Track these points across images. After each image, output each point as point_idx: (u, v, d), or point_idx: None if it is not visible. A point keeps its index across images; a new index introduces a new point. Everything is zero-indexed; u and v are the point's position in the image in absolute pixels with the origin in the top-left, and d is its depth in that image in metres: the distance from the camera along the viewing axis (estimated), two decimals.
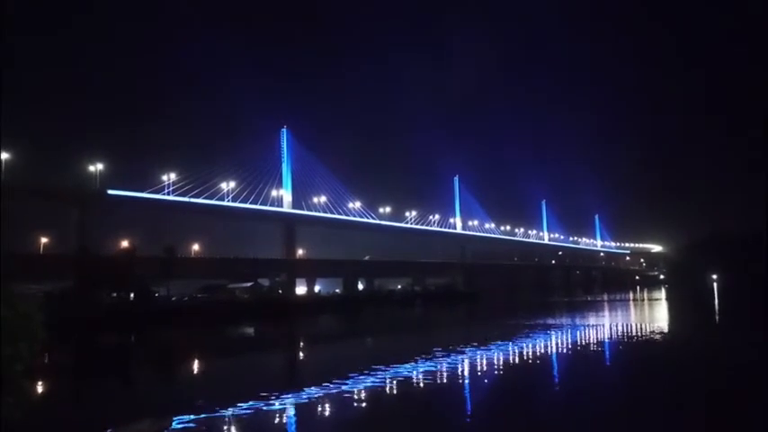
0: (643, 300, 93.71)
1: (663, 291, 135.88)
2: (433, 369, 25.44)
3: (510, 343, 34.42)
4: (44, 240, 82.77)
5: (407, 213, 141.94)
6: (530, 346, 33.65)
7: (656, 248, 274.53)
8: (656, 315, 60.65)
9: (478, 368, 26.40)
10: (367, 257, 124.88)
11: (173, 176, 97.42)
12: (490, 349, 32.02)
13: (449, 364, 26.95)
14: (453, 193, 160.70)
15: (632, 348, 32.45)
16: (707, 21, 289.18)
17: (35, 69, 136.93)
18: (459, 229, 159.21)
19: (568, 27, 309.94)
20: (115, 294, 71.37)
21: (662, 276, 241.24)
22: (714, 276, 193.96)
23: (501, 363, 27.78)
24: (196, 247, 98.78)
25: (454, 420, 17.01)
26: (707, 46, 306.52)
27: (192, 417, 17.22)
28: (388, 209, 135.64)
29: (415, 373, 24.75)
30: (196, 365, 33.47)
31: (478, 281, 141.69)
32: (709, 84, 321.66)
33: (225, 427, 16.68)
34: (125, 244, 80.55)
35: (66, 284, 65.66)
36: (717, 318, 56.78)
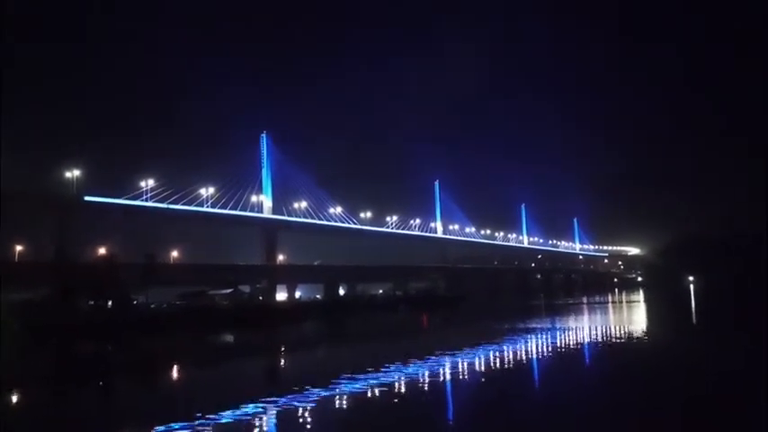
0: (622, 302, 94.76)
1: (641, 293, 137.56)
2: (415, 375, 25.44)
3: (491, 347, 34.55)
4: (20, 248, 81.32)
5: (388, 218, 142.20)
6: (511, 350, 33.81)
7: (634, 251, 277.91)
8: (634, 317, 61.38)
9: (460, 374, 26.46)
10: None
11: (151, 182, 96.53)
12: (472, 354, 32.12)
13: (431, 369, 26.99)
14: (434, 198, 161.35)
15: (610, 351, 32.77)
16: (688, 22, 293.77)
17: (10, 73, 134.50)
18: (440, 234, 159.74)
19: (550, 33, 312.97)
20: (93, 302, 70.35)
21: (640, 279, 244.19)
22: (690, 278, 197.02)
23: (482, 368, 27.88)
24: (175, 253, 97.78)
25: (439, 423, 17.05)
26: (688, 52, 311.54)
27: (172, 426, 17.03)
28: (369, 214, 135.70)
29: (396, 379, 24.71)
30: (175, 374, 33.11)
31: (460, 285, 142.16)
32: (689, 90, 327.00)
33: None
34: (103, 251, 79.57)
35: (44, 292, 64.64)
36: (693, 319, 57.59)
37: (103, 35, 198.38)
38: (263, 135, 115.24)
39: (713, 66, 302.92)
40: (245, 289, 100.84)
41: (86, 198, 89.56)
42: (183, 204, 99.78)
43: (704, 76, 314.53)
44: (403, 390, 22.50)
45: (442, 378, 25.30)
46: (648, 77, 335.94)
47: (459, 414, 19.08)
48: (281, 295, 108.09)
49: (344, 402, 20.51)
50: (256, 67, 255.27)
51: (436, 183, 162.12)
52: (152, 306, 76.57)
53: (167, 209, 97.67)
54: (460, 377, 25.56)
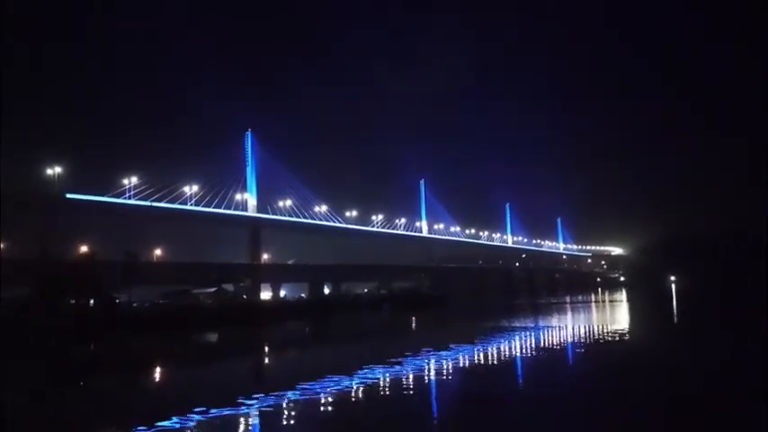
0: (605, 301, 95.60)
1: (624, 292, 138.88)
2: (400, 374, 25.47)
3: (474, 346, 34.68)
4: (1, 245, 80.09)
5: (374, 217, 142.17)
6: (494, 349, 33.96)
7: (617, 251, 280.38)
8: (617, 317, 61.95)
9: (444, 373, 26.56)
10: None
11: (134, 180, 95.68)
12: (455, 353, 32.21)
13: (414, 368, 27.02)
14: (419, 197, 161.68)
15: (591, 350, 33.01)
16: (672, 24, 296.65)
17: None
18: (425, 233, 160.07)
19: (535, 32, 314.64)
20: (74, 301, 69.54)
21: (622, 278, 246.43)
22: (672, 278, 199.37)
23: (466, 367, 27.98)
24: (159, 252, 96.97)
25: (426, 421, 17.09)
26: (674, 53, 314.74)
27: (154, 426, 16.90)
28: (354, 213, 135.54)
29: (381, 378, 24.71)
30: (158, 373, 32.86)
31: (445, 284, 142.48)
32: (673, 90, 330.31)
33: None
34: (85, 249, 78.70)
35: (24, 291, 63.81)
36: (674, 319, 58.26)
37: (83, 30, 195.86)
38: (248, 133, 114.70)
39: (698, 66, 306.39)
40: (230, 288, 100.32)
41: (68, 196, 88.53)
42: (167, 202, 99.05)
43: (687, 77, 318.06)
44: (387, 388, 22.54)
45: (426, 377, 25.35)
46: (632, 78, 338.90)
47: (442, 411, 19.14)
48: (266, 294, 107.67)
49: (329, 401, 20.46)
50: (241, 64, 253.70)
51: (422, 182, 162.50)
52: (135, 305, 75.85)
53: (150, 207, 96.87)
54: (444, 376, 25.65)
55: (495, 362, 29.46)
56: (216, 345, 52.40)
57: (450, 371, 26.91)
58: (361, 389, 22.37)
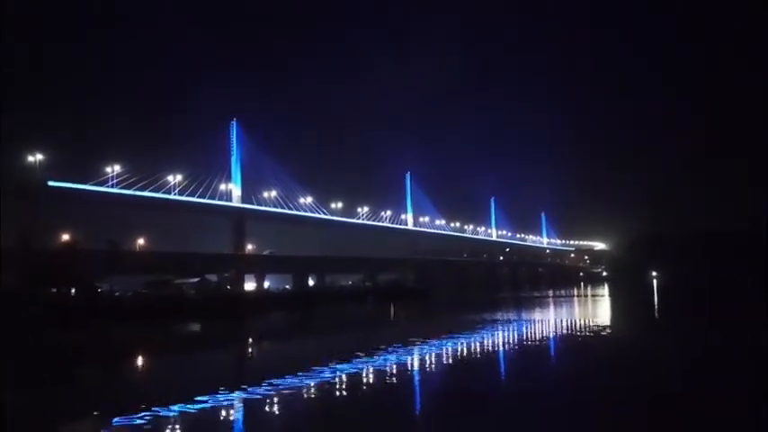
0: (587, 296, 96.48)
1: (606, 287, 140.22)
2: (382, 366, 25.54)
3: (457, 338, 34.87)
4: None
5: (359, 209, 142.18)
6: (476, 341, 34.15)
7: (600, 246, 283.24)
8: (598, 311, 62.54)
9: (427, 364, 26.68)
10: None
11: (117, 168, 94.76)
12: (437, 345, 32.36)
13: (398, 359, 27.12)
14: (405, 190, 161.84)
15: (573, 344, 33.34)
16: (661, 20, 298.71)
17: None
18: (410, 226, 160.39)
19: (521, 28, 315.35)
20: (55, 290, 68.89)
21: (605, 273, 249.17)
22: (654, 273, 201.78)
23: (448, 359, 28.13)
24: (141, 241, 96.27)
25: (405, 412, 17.18)
26: (662, 48, 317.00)
27: (133, 417, 16.80)
28: (339, 204, 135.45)
29: (363, 370, 24.77)
30: (139, 363, 32.68)
31: (429, 277, 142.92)
32: (660, 88, 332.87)
33: (167, 427, 16.33)
34: (66, 237, 77.91)
35: (2, 280, 62.99)
36: (655, 314, 58.96)
37: (67, 18, 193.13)
38: (233, 122, 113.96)
39: (683, 66, 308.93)
40: (213, 278, 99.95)
41: (50, 183, 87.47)
42: (151, 191, 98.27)
43: (673, 75, 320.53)
44: (371, 378, 22.62)
45: (409, 368, 25.45)
46: (619, 75, 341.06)
47: (425, 401, 19.25)
48: (250, 285, 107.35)
49: (312, 392, 20.47)
50: (226, 53, 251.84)
51: (407, 175, 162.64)
52: (117, 294, 75.34)
53: (133, 196, 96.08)
54: (427, 367, 25.78)
55: (475, 354, 29.63)
56: (198, 335, 52.18)
57: (429, 363, 27.02)
58: (341, 380, 22.40)
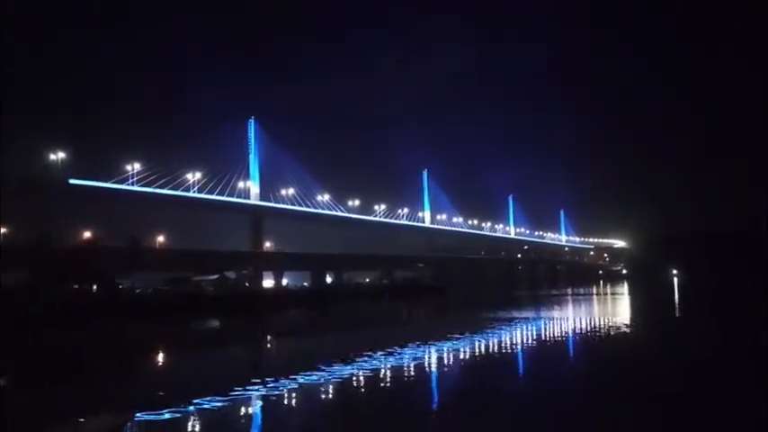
0: (606, 294, 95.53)
1: (625, 285, 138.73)
2: (400, 363, 25.54)
3: (475, 337, 34.76)
4: (3, 231, 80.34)
5: (376, 207, 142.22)
6: (493, 340, 34.00)
7: (619, 244, 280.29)
8: (618, 309, 61.91)
9: (444, 362, 26.62)
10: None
11: (137, 167, 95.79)
12: (455, 343, 32.27)
13: (415, 357, 27.11)
14: (422, 187, 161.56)
15: (593, 344, 33.03)
16: (678, 21, 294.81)
17: None
18: (427, 223, 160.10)
19: (539, 26, 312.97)
20: (77, 286, 69.88)
21: (624, 271, 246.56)
22: (675, 272, 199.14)
23: (466, 357, 28.04)
24: (161, 238, 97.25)
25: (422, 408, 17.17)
26: (683, 48, 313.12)
27: (155, 412, 17.00)
28: (356, 202, 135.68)
29: (381, 366, 24.78)
30: (160, 359, 33.03)
31: (446, 275, 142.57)
32: (678, 85, 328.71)
33: (188, 423, 16.49)
34: (88, 235, 78.96)
35: (26, 276, 64.03)
36: (676, 314, 58.18)
37: (88, 18, 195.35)
38: (251, 121, 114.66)
39: (700, 65, 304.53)
40: (231, 275, 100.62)
41: (72, 181, 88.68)
42: (170, 189, 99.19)
43: (689, 74, 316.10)
44: (389, 376, 22.65)
45: (426, 366, 25.42)
46: (636, 70, 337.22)
47: (443, 398, 19.23)
48: (268, 282, 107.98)
49: (330, 388, 20.54)
50: (244, 53, 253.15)
51: (425, 172, 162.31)
52: (137, 291, 76.21)
53: (153, 193, 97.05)
54: (444, 365, 25.74)
55: (491, 354, 29.47)
56: (216, 332, 52.58)
57: (445, 362, 26.96)
58: (359, 377, 22.45)
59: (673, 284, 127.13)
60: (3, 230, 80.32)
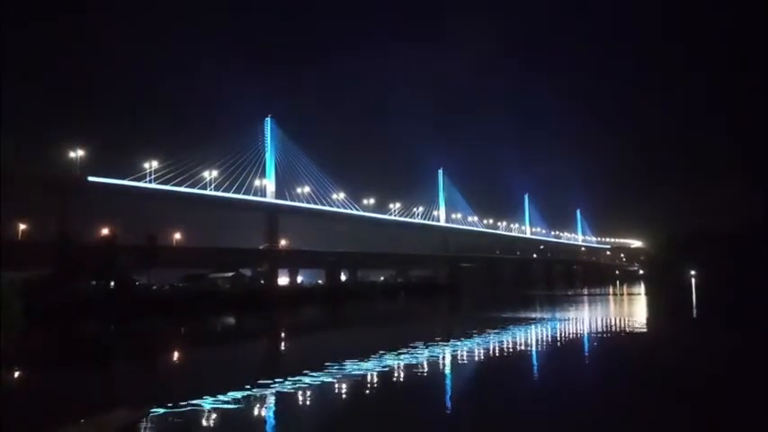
0: (623, 294, 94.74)
1: (642, 286, 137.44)
2: (414, 362, 25.53)
3: (490, 336, 34.62)
4: (22, 227, 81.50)
5: (391, 205, 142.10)
6: (508, 339, 33.85)
7: (636, 244, 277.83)
8: (634, 310, 61.34)
9: (458, 360, 26.56)
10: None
11: (155, 164, 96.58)
12: (469, 342, 32.19)
13: (430, 355, 27.07)
14: (437, 186, 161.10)
15: (609, 344, 32.76)
16: (698, 20, 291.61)
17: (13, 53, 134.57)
18: (442, 222, 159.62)
19: (558, 24, 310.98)
20: (95, 282, 70.69)
21: (641, 271, 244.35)
22: (692, 272, 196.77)
23: (480, 356, 27.96)
24: (178, 235, 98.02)
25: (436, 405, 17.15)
26: (700, 49, 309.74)
27: (171, 407, 17.14)
28: (371, 200, 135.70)
29: (396, 364, 24.79)
30: (176, 355, 33.30)
31: (461, 273, 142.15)
32: (693, 82, 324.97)
33: (204, 418, 16.61)
34: (105, 232, 79.79)
35: (45, 272, 64.85)
36: (694, 315, 57.51)
37: (104, 14, 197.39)
38: (268, 119, 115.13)
39: (719, 62, 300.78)
40: (247, 272, 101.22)
41: (90, 179, 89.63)
42: (187, 187, 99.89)
43: (706, 70, 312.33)
44: (401, 374, 22.66)
45: (441, 364, 25.39)
46: (651, 67, 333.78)
47: (456, 395, 19.20)
48: (284, 280, 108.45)
49: (343, 386, 20.59)
50: (260, 51, 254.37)
51: (440, 171, 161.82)
52: (154, 288, 76.92)
53: (171, 191, 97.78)
54: (459, 364, 25.68)
55: (506, 353, 29.34)
56: (233, 328, 52.91)
57: (460, 361, 26.88)
58: (375, 374, 22.46)
59: (690, 285, 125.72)
60: (22, 227, 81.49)
